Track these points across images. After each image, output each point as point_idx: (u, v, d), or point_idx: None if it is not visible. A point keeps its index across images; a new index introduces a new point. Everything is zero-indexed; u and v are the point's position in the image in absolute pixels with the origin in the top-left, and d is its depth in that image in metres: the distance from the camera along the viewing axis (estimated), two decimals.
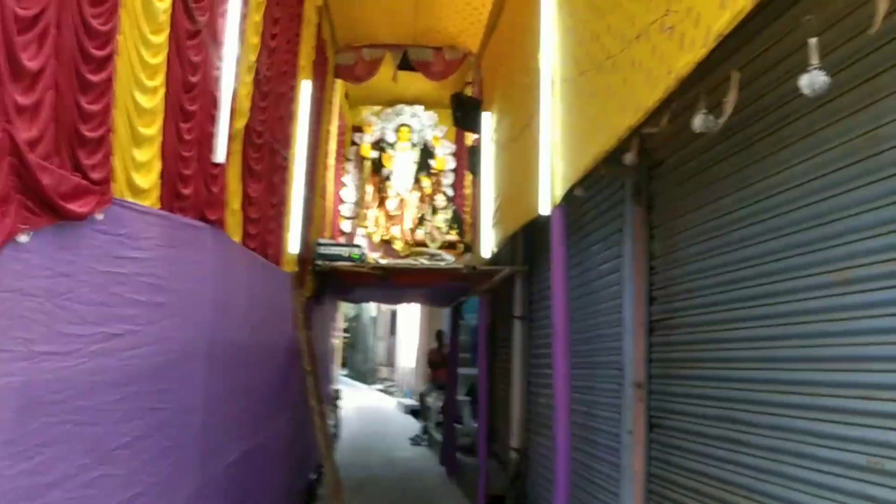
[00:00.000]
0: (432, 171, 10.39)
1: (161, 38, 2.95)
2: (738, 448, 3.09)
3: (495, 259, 7.58)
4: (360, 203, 10.40)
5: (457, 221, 9.36)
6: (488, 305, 8.26)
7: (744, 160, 3.15)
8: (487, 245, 7.47)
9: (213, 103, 3.70)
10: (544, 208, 4.71)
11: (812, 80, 2.22)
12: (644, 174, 4.19)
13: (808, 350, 2.67)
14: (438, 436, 10.73)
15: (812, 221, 2.67)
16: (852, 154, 2.45)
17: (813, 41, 2.22)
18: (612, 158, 3.77)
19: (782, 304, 2.84)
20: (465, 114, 8.17)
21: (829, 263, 2.56)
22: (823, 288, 2.58)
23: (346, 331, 25.72)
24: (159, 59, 2.94)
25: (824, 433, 2.54)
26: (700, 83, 2.95)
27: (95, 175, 2.33)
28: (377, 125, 10.41)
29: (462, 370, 10.06)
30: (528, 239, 6.89)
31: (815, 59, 2.21)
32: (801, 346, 2.71)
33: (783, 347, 2.82)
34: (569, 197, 4.47)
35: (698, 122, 2.84)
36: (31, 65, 1.94)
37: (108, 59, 2.44)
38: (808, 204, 2.70)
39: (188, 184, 3.36)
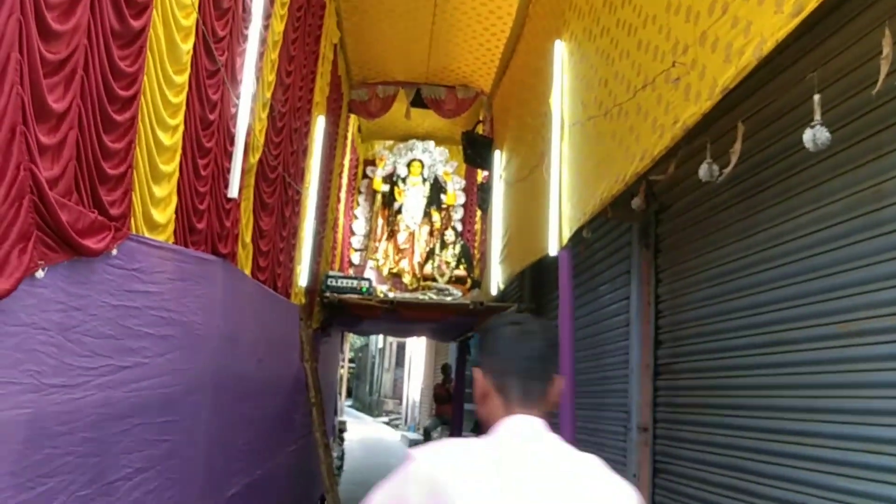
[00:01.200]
0: (443, 205, 10.49)
1: (183, 78, 3.04)
2: (743, 497, 3.06)
3: (502, 296, 7.59)
4: (370, 235, 10.49)
5: (465, 256, 9.41)
6: None
7: (750, 208, 3.18)
8: (495, 281, 7.49)
9: (228, 139, 3.78)
10: (552, 248, 4.74)
11: (815, 136, 2.25)
12: (651, 218, 4.23)
13: (812, 401, 2.66)
14: None
15: (817, 272, 2.69)
16: (855, 207, 2.47)
17: (816, 97, 2.27)
18: (619, 202, 3.81)
19: (787, 354, 2.84)
20: (475, 151, 8.28)
21: (833, 315, 2.57)
22: (827, 339, 2.59)
23: (352, 361, 25.64)
24: (181, 97, 3.03)
25: (828, 485, 2.51)
26: (706, 132, 3.01)
27: (114, 211, 2.39)
28: (389, 159, 10.56)
29: (468, 406, 9.99)
30: (535, 277, 6.91)
31: (818, 115, 2.25)
32: (806, 396, 2.70)
33: (787, 397, 2.81)
34: (577, 238, 4.50)
35: (704, 171, 2.88)
36: (57, 106, 2.01)
37: (133, 98, 2.51)
38: (813, 255, 2.72)
39: (202, 218, 3.43)
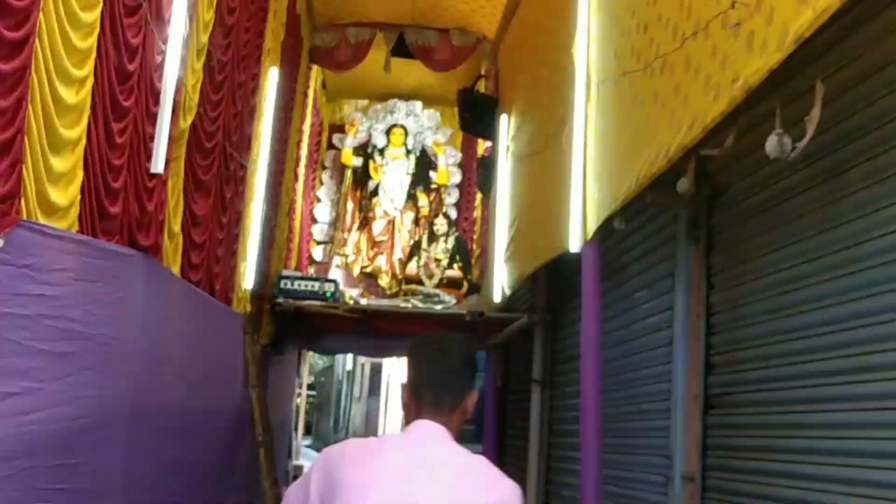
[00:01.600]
0: (432, 185, 10.51)
1: (93, 16, 3.03)
2: None
3: (509, 304, 7.61)
4: (336, 224, 10.49)
5: (461, 252, 9.41)
6: (499, 364, 8.26)
7: (830, 193, 3.20)
8: (499, 285, 7.50)
9: (152, 97, 3.78)
10: (574, 243, 4.76)
11: None
12: (703, 205, 4.24)
13: None
14: None
15: None
16: None
17: None
18: (661, 183, 3.82)
19: (879, 383, 2.85)
20: (475, 115, 8.28)
21: None
22: None
23: (311, 388, 25.64)
24: (89, 42, 3.02)
25: None
26: (774, 94, 3.01)
27: None
28: (363, 125, 10.55)
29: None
30: (551, 280, 6.93)
31: None
32: None
33: (875, 438, 2.83)
34: (606, 230, 4.51)
35: (772, 144, 2.89)
36: None
37: (23, 42, 2.50)
38: None
39: (116, 200, 3.42)
